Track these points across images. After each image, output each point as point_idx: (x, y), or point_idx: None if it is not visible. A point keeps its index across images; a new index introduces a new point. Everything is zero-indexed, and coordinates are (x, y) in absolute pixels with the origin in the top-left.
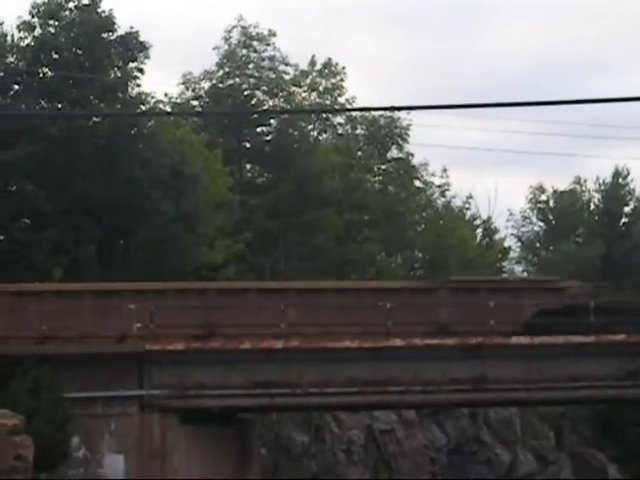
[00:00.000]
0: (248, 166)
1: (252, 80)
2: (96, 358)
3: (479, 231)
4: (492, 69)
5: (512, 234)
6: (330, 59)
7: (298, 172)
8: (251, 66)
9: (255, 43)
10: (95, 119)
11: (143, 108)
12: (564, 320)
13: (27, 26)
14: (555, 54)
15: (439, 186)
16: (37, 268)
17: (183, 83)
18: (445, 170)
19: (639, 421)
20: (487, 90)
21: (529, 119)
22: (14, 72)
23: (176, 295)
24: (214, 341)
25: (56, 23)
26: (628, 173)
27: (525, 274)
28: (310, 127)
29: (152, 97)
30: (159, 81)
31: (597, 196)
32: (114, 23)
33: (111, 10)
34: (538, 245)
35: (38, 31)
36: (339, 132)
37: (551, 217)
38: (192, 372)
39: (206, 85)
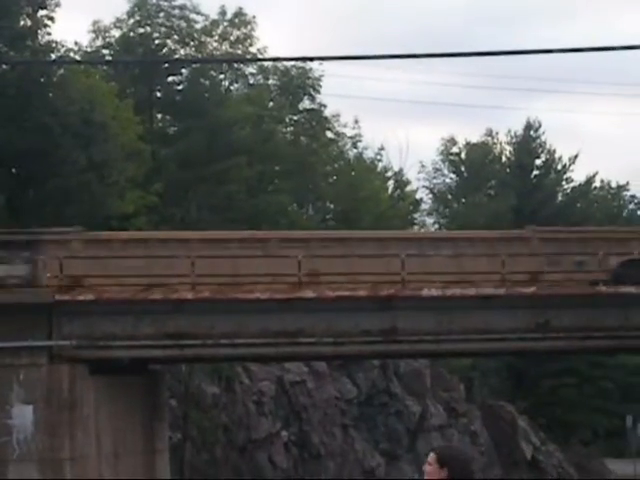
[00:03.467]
0: (159, 116)
1: (163, 29)
2: (4, 308)
3: (391, 183)
4: (413, 22)
5: (424, 186)
6: (241, 9)
7: (209, 122)
8: (162, 15)
9: None
10: (4, 67)
11: (53, 56)
12: None
13: None
14: (494, 6)
15: (351, 137)
16: None
17: (93, 31)
18: (357, 121)
19: (549, 373)
20: (409, 42)
21: (442, 71)
22: None
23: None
24: (124, 292)
25: None
26: (539, 126)
27: (436, 226)
28: (221, 77)
29: (62, 45)
30: (69, 29)
31: (509, 148)
32: None
33: None
34: (450, 197)
35: None
36: (251, 82)
37: (463, 169)
38: (102, 322)
39: (116, 34)
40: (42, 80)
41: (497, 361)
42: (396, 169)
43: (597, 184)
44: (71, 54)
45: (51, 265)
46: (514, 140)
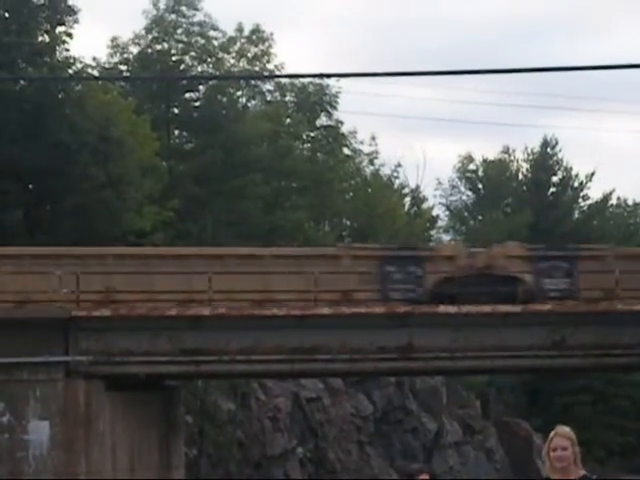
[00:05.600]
0: (176, 132)
1: (181, 45)
2: (21, 323)
3: (407, 200)
4: (436, 39)
5: (440, 203)
6: (258, 25)
7: (226, 139)
8: (180, 31)
9: (183, 8)
10: (22, 83)
11: (71, 72)
12: None
13: None
14: (518, 22)
15: (368, 154)
16: None
17: (111, 47)
18: (374, 138)
19: (564, 391)
20: (433, 58)
21: (460, 87)
22: None
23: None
24: (140, 307)
25: None
26: (556, 143)
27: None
28: (239, 94)
29: (80, 61)
30: (88, 45)
31: (525, 166)
32: None
33: None
34: (466, 214)
35: None
36: (268, 99)
37: (480, 186)
38: (118, 338)
39: (134, 50)
40: (59, 96)
41: (513, 378)
42: (413, 186)
43: (613, 201)
44: (89, 70)
45: None
46: (531, 157)
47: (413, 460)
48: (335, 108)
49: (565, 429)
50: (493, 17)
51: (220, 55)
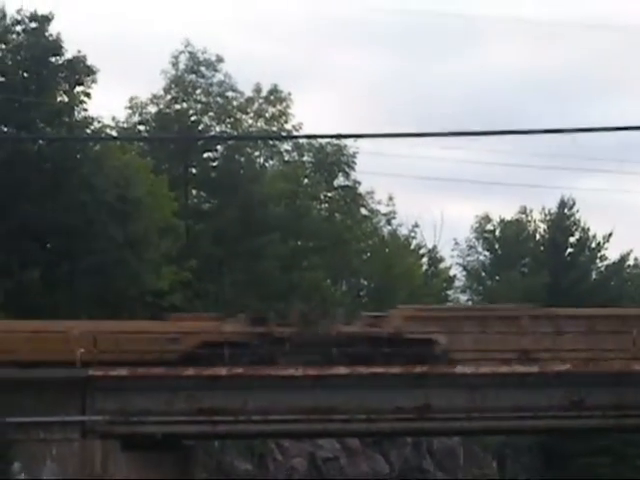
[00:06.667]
0: (194, 192)
1: (199, 106)
2: (39, 383)
3: (425, 260)
4: (452, 94)
5: (457, 263)
6: (276, 85)
7: (244, 198)
8: (199, 91)
9: (203, 68)
10: (41, 143)
11: (89, 132)
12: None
13: None
14: (535, 80)
15: (385, 214)
16: None
17: (130, 107)
18: (391, 198)
19: (582, 451)
20: (442, 117)
21: (477, 148)
22: None
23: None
24: (157, 367)
25: (3, 46)
26: (574, 203)
27: (469, 303)
28: (257, 154)
29: (99, 121)
30: (106, 105)
31: (543, 226)
32: (61, 47)
33: (59, 34)
34: (483, 274)
35: None
36: (285, 159)
37: (497, 246)
38: (135, 398)
39: (153, 110)
40: (78, 156)
41: (530, 438)
42: (430, 246)
43: (631, 262)
44: (107, 130)
45: None
46: (548, 218)
47: None
48: (352, 168)
49: None
50: (508, 78)
51: (238, 115)
